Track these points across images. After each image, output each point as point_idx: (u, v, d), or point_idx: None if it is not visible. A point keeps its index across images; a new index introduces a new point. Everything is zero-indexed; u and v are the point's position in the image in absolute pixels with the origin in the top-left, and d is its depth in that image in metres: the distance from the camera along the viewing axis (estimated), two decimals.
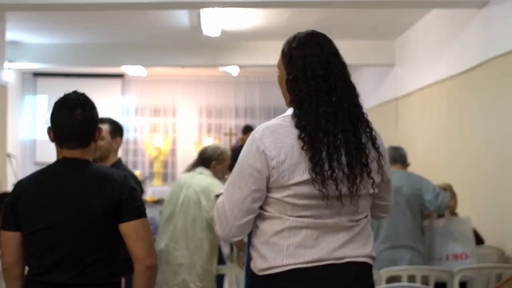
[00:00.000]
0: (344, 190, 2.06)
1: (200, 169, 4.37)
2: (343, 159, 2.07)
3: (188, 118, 12.39)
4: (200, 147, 9.90)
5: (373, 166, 2.15)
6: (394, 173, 4.19)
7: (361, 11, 7.14)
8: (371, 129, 2.25)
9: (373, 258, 2.18)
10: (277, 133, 2.09)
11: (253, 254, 2.16)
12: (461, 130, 6.17)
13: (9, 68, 9.15)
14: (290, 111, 2.16)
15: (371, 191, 2.15)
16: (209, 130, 12.58)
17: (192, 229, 4.21)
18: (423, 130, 7.39)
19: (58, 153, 2.51)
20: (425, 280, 3.96)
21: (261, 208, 2.13)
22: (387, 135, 9.02)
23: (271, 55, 9.00)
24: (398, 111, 8.57)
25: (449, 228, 4.39)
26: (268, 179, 2.07)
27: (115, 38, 9.04)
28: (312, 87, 2.12)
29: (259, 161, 2.06)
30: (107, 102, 11.40)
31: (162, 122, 12.49)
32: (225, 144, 10.93)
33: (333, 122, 2.08)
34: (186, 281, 4.17)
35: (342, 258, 2.09)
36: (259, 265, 2.12)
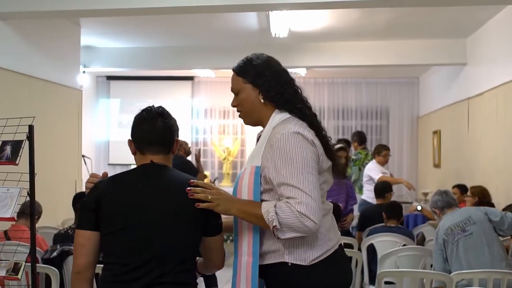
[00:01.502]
0: None
1: None
2: None
3: None
4: None
5: None
6: (454, 212, 4.50)
7: (431, 9, 7.02)
8: None
9: None
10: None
11: (292, 247, 2.32)
12: None
13: (84, 72, 9.45)
14: (283, 115, 2.45)
15: None
16: None
17: None
18: (496, 131, 7.19)
19: (142, 159, 2.57)
20: (497, 284, 3.87)
21: None
22: (459, 136, 8.85)
23: (340, 56, 9.08)
24: (470, 112, 8.37)
25: None
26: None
27: (185, 41, 9.20)
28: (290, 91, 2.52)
29: (312, 150, 2.32)
30: (178, 104, 11.60)
31: (231, 123, 12.60)
32: None
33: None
34: None
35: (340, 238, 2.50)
36: (308, 256, 2.31)
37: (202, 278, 3.23)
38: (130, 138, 2.60)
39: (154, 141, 2.55)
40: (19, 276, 3.45)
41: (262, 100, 2.48)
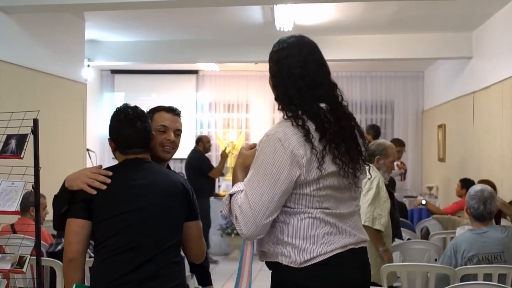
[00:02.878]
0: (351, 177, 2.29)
1: None
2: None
3: (261, 113, 12.44)
4: None
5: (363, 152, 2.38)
6: (484, 235, 3.99)
7: (437, 2, 6.99)
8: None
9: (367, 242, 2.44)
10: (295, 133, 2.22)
11: (286, 249, 2.26)
12: None
13: (88, 66, 9.45)
14: (282, 115, 2.30)
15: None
16: None
17: None
18: (501, 125, 7.17)
19: (121, 158, 2.79)
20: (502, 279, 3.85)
21: (284, 205, 2.25)
22: (464, 130, 8.83)
23: (344, 50, 9.05)
24: (475, 105, 8.35)
25: None
26: (297, 176, 2.19)
27: (189, 35, 9.19)
28: (289, 86, 2.29)
29: (289, 161, 2.17)
30: (182, 98, 11.61)
31: (236, 117, 12.59)
32: None
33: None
34: None
35: (358, 243, 2.34)
36: (299, 258, 2.24)
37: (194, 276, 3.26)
38: (109, 137, 2.79)
39: (136, 144, 2.76)
40: (24, 269, 3.47)
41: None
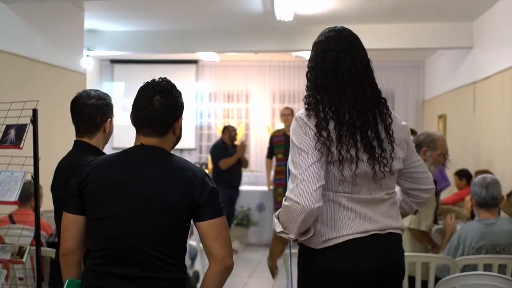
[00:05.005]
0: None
1: None
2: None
3: (261, 103, 12.43)
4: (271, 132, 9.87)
5: (396, 144, 2.40)
6: (492, 226, 3.97)
7: None
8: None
9: (402, 230, 2.49)
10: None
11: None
12: None
13: (87, 56, 9.42)
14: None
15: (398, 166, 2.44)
16: None
17: None
18: (502, 115, 7.15)
19: (136, 140, 2.41)
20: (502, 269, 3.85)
21: None
22: (464, 120, 8.81)
23: None
24: (476, 96, 8.33)
25: None
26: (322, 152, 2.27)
27: (189, 25, 9.16)
28: (320, 79, 2.37)
29: (312, 133, 2.27)
30: (182, 88, 11.36)
31: (236, 107, 12.57)
32: None
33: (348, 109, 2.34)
34: None
35: (384, 229, 2.36)
36: (317, 240, 2.30)
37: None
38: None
39: (145, 122, 2.37)
40: (23, 260, 3.47)
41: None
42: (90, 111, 2.92)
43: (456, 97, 9.35)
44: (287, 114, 9.03)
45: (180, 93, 2.47)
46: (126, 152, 2.40)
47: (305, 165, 2.21)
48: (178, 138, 2.48)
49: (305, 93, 2.42)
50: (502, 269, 3.82)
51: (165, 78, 2.47)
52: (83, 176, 2.35)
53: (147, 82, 2.43)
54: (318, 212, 2.23)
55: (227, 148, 8.95)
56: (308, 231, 2.27)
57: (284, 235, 2.28)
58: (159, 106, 2.35)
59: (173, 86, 2.46)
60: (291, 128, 2.35)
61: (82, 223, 2.36)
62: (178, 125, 2.43)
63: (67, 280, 2.38)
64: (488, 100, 7.76)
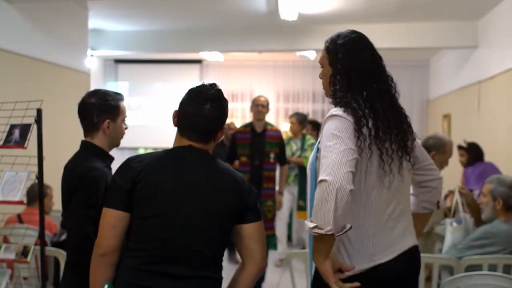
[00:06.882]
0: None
1: None
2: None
3: None
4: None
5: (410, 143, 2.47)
6: None
7: None
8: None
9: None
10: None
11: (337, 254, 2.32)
12: None
13: (92, 56, 9.43)
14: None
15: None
16: (286, 115, 12.56)
17: None
18: (507, 115, 7.14)
19: (177, 140, 2.40)
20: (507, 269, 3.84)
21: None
22: (469, 120, 8.79)
23: None
24: (480, 95, 8.31)
25: None
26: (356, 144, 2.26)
27: (193, 24, 9.16)
28: (355, 79, 2.39)
29: (350, 130, 2.25)
30: (186, 88, 11.50)
31: (240, 107, 12.57)
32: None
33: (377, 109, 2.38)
34: None
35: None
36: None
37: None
38: (177, 109, 2.43)
39: (194, 128, 2.36)
40: (28, 259, 3.47)
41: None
42: (87, 110, 2.90)
43: (460, 96, 9.33)
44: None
45: (227, 102, 2.46)
46: (176, 151, 2.37)
47: (339, 149, 2.15)
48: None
49: (333, 94, 2.41)
50: (506, 269, 3.80)
51: (215, 84, 2.47)
52: (136, 171, 2.27)
53: (198, 86, 2.46)
54: (351, 197, 2.07)
55: (223, 149, 8.86)
56: (345, 225, 2.11)
57: (317, 230, 2.07)
58: (209, 116, 2.36)
59: (222, 95, 2.44)
60: (322, 128, 2.31)
61: (128, 221, 2.27)
62: (221, 133, 2.43)
63: (105, 286, 2.28)
64: (493, 100, 7.74)
